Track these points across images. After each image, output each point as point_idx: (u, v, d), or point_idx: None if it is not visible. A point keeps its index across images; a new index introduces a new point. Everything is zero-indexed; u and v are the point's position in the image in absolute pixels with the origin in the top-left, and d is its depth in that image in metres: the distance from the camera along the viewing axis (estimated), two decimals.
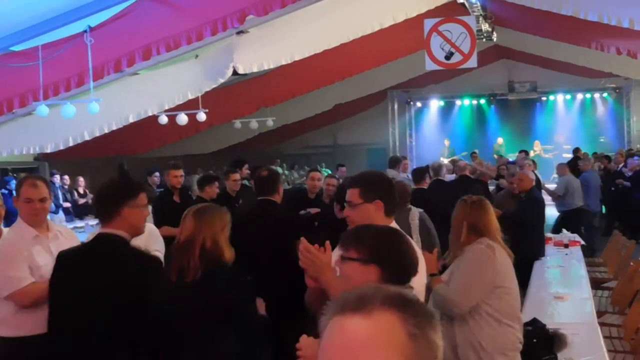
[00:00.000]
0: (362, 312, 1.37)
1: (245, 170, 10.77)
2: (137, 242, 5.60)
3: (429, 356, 1.37)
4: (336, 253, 3.36)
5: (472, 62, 13.80)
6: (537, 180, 13.44)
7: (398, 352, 1.34)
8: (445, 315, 4.13)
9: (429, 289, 3.97)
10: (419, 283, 3.16)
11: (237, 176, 9.67)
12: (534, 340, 4.80)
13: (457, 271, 4.28)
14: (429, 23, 13.76)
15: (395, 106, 26.12)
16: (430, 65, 13.98)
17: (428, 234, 6.78)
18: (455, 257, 4.42)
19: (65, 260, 4.22)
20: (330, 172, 16.98)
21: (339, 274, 2.99)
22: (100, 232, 4.23)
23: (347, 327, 1.37)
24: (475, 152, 19.58)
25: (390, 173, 11.44)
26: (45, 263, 4.62)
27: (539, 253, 9.37)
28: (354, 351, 1.34)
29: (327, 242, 3.26)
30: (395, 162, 12.93)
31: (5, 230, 5.46)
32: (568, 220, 14.27)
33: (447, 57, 13.67)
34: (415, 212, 6.93)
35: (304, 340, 2.93)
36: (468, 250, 4.30)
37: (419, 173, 9.98)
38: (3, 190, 14.52)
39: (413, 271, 2.87)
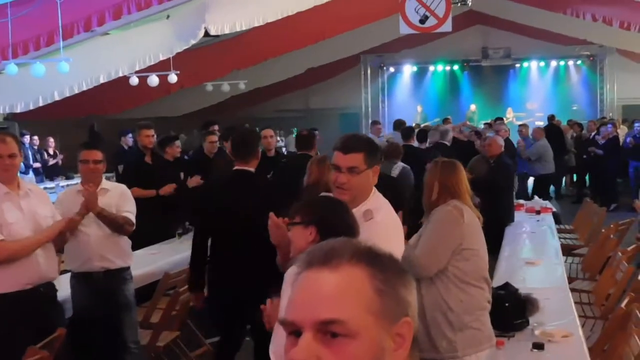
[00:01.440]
0: (329, 266, 1.35)
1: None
2: (109, 202, 5.58)
3: (397, 313, 1.35)
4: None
5: (447, 27, 13.72)
6: (510, 146, 13.56)
7: (364, 307, 1.32)
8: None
9: None
10: (397, 251, 3.21)
11: (214, 138, 9.60)
12: (506, 304, 4.83)
13: (424, 233, 4.25)
14: None
15: (369, 71, 25.96)
16: (404, 29, 13.89)
17: (397, 187, 6.96)
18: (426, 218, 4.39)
19: (213, 189, 5.84)
20: None
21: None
22: (237, 168, 5.48)
23: (313, 281, 1.35)
24: (448, 119, 19.59)
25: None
26: (16, 220, 4.62)
27: (508, 219, 9.43)
28: (319, 305, 1.32)
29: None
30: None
31: None
32: (540, 184, 14.44)
33: (422, 21, 13.57)
34: (399, 166, 7.34)
35: (269, 303, 3.20)
36: (435, 212, 4.27)
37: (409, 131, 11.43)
38: None
39: (351, 235, 2.96)
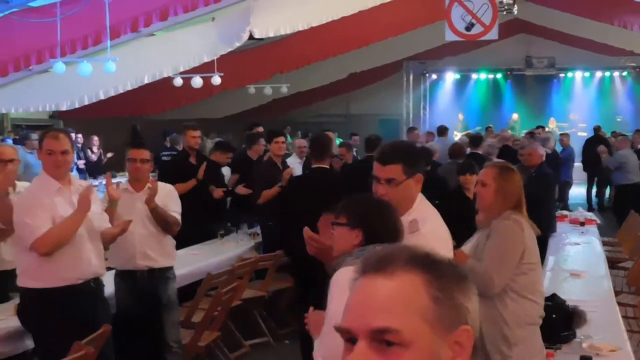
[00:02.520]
0: (384, 273, 1.33)
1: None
2: (156, 201, 5.62)
3: (455, 320, 1.33)
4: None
5: (493, 34, 13.66)
6: (554, 156, 13.39)
7: (419, 315, 1.30)
8: None
9: None
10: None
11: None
12: (553, 316, 4.73)
13: (489, 249, 4.08)
14: None
15: (411, 77, 25.83)
16: (450, 36, 13.84)
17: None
18: (482, 226, 4.25)
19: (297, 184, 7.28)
20: (342, 140, 16.94)
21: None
22: (315, 166, 7.00)
23: (368, 288, 1.33)
24: (490, 127, 19.44)
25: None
26: (68, 215, 4.65)
27: (550, 229, 9.27)
28: (372, 312, 1.30)
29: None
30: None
31: (20, 184, 5.53)
32: (622, 194, 14.15)
33: (468, 28, 13.52)
34: None
35: (311, 311, 3.17)
36: (496, 225, 4.12)
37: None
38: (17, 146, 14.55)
39: (397, 240, 2.96)
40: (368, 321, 1.30)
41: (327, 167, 7.08)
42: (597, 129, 18.92)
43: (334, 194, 4.08)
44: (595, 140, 17.29)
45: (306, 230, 3.52)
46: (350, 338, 1.33)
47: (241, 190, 8.93)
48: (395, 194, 3.31)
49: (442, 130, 15.03)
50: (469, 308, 1.35)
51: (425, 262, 1.35)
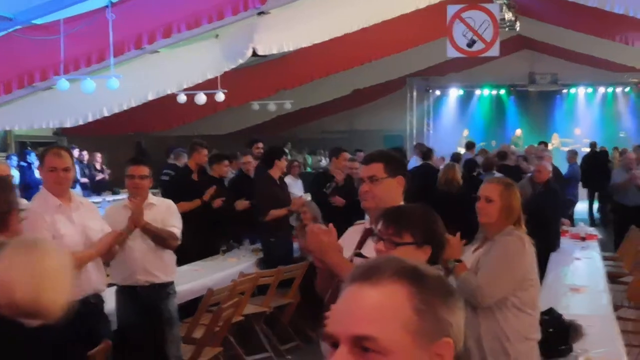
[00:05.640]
0: (370, 281, 1.36)
1: (256, 150, 10.71)
2: (154, 216, 5.66)
3: (436, 333, 1.35)
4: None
5: (494, 51, 13.69)
6: (557, 172, 13.43)
7: (400, 325, 1.32)
8: (470, 306, 3.96)
9: (447, 272, 3.90)
10: None
11: (248, 158, 9.70)
12: (550, 330, 4.76)
13: (486, 262, 4.11)
14: (452, 9, 13.65)
15: (414, 94, 25.90)
16: (451, 53, 13.88)
17: None
18: (486, 239, 4.26)
19: None
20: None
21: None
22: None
23: (354, 295, 1.36)
24: (493, 143, 19.50)
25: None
26: (68, 232, 4.70)
27: (554, 245, 9.32)
28: (355, 319, 1.33)
29: (331, 224, 3.34)
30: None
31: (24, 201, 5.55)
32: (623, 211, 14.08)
33: (469, 45, 13.56)
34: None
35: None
36: (498, 240, 4.14)
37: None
38: (22, 163, 14.62)
39: (443, 246, 3.02)
40: (350, 328, 1.33)
41: None
42: (592, 145, 18.98)
43: None
44: (593, 156, 17.30)
45: (313, 224, 3.58)
46: (333, 343, 1.35)
47: (240, 205, 8.98)
48: (377, 191, 3.54)
49: (470, 145, 16.31)
50: (452, 322, 1.37)
51: (411, 275, 1.38)
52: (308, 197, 9.95)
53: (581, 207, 17.32)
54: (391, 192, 3.55)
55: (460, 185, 10.22)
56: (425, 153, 13.54)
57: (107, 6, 8.47)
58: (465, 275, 4.01)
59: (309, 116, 23.35)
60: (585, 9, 11.95)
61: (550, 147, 20.84)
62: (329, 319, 1.38)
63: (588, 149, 20.05)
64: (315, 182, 10.00)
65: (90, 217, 4.99)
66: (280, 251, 8.53)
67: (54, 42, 8.64)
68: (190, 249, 6.97)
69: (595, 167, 15.55)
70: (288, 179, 10.25)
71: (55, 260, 2.66)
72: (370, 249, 3.22)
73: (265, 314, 7.80)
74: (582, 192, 17.70)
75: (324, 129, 25.83)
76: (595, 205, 17.82)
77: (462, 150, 20.62)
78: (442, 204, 6.79)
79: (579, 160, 17.58)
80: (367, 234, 3.55)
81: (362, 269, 1.40)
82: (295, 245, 8.85)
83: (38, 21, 8.52)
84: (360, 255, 3.36)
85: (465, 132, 25.55)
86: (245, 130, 21.24)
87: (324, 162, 21.58)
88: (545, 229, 8.95)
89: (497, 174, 10.36)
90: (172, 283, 5.96)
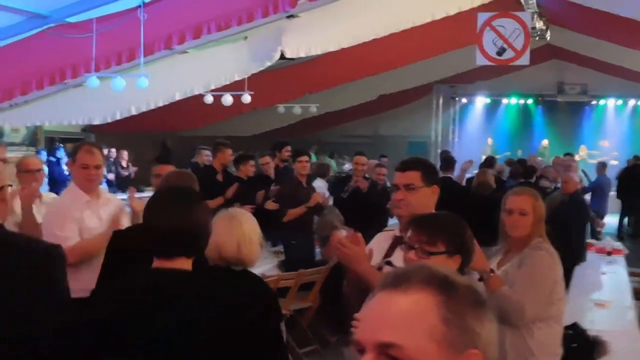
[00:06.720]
0: (399, 289, 1.35)
1: (286, 153, 10.71)
2: None
3: (463, 344, 1.32)
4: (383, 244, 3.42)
5: (525, 60, 13.59)
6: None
7: (426, 334, 1.30)
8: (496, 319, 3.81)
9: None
10: None
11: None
12: (574, 345, 4.72)
13: (520, 277, 3.98)
14: (482, 17, 13.57)
15: (440, 100, 25.82)
16: (480, 60, 13.80)
17: None
18: (511, 251, 4.18)
19: None
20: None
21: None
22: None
23: (382, 302, 1.35)
24: (519, 153, 19.37)
25: None
26: (95, 227, 4.73)
27: (580, 257, 9.23)
28: (381, 326, 1.32)
29: (359, 233, 3.26)
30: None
31: (46, 194, 5.62)
32: None
33: (499, 53, 13.48)
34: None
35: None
36: (529, 255, 4.04)
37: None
38: (51, 158, 14.74)
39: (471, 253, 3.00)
40: (376, 335, 1.32)
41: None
42: (636, 159, 18.75)
43: None
44: (633, 168, 17.16)
45: (336, 235, 3.56)
46: (360, 350, 1.35)
47: (270, 205, 8.99)
48: (413, 200, 3.45)
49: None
50: (480, 333, 1.35)
51: (441, 283, 1.36)
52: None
53: (610, 221, 17.15)
54: (427, 201, 3.49)
55: (493, 188, 10.11)
56: (443, 162, 11.49)
57: (139, 6, 8.51)
58: (504, 291, 3.87)
59: (334, 120, 23.36)
60: (616, 19, 11.85)
61: (577, 158, 20.71)
62: (358, 325, 1.38)
63: (616, 162, 19.90)
64: (336, 186, 10.00)
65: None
66: (302, 254, 8.52)
67: (86, 40, 8.71)
68: None
69: (633, 180, 15.42)
70: (318, 182, 10.25)
71: (249, 225, 3.60)
72: (399, 258, 3.18)
73: (285, 317, 7.78)
74: (612, 205, 17.53)
75: (348, 133, 25.84)
76: (627, 219, 17.67)
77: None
78: (473, 207, 6.79)
79: (607, 172, 17.45)
80: (397, 242, 3.48)
81: (392, 276, 1.39)
82: (317, 248, 8.84)
83: (71, 19, 8.59)
84: (389, 263, 3.33)
85: (490, 141, 25.43)
86: (269, 133, 21.30)
87: (347, 166, 21.56)
88: (571, 240, 8.88)
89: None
90: None
